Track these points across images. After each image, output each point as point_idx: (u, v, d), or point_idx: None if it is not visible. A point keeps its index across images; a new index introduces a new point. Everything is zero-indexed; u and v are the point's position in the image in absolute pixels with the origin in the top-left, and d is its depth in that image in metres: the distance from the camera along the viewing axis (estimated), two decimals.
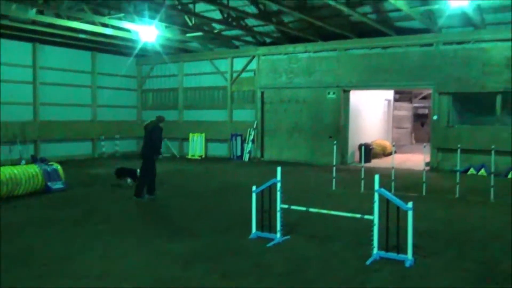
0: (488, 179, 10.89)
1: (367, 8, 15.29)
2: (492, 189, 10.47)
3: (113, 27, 16.01)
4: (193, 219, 8.76)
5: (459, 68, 15.44)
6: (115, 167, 13.06)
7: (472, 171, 14.85)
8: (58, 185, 11.47)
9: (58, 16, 15.05)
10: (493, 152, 10.86)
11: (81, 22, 15.38)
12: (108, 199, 10.68)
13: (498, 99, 15.06)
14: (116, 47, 20.12)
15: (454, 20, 14.92)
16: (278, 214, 7.14)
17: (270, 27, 17.79)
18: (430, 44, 16.06)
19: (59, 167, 11.81)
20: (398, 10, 14.01)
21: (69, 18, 15.17)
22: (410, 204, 6.00)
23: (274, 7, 14.63)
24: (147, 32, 15.46)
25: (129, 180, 12.22)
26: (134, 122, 22.88)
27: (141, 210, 9.74)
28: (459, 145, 11.69)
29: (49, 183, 11.26)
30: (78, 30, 16.51)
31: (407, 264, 5.99)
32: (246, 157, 19.67)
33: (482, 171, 14.59)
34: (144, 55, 21.77)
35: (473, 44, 15.35)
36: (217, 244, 7.02)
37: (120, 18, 15.38)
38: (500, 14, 14.52)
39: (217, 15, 16.75)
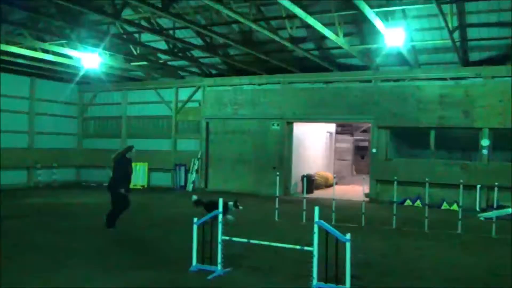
0: (423, 210, 11.36)
1: (310, 45, 15.87)
2: (426, 220, 10.92)
3: (55, 53, 15.63)
4: (130, 253, 8.49)
5: (396, 104, 16.22)
6: (202, 199, 11.34)
7: (408, 202, 15.45)
8: None
9: None
10: (427, 184, 11.39)
11: (20, 47, 14.91)
12: (41, 231, 10.16)
13: (432, 134, 15.90)
14: (57, 73, 19.61)
15: (391, 59, 15.76)
16: (219, 246, 7.08)
17: (216, 59, 18.00)
18: (369, 81, 16.83)
19: None
20: (339, 47, 14.62)
21: (7, 42, 14.67)
22: (348, 236, 6.14)
23: (220, 40, 14.87)
24: (90, 59, 15.22)
25: (229, 216, 10.45)
26: (74, 150, 22.17)
27: (80, 243, 9.32)
28: (395, 177, 12.17)
29: None
30: (16, 55, 15.98)
31: None
32: (190, 187, 19.46)
33: (418, 203, 15.22)
34: (87, 82, 21.34)
35: (409, 81, 16.23)
36: (155, 279, 6.82)
37: (62, 45, 15.06)
38: (433, 55, 15.53)
39: (162, 45, 16.76)
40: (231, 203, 10.76)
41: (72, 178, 21.98)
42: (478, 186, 14.41)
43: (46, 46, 14.85)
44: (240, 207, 11.05)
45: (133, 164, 20.57)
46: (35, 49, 15.26)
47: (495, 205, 11.66)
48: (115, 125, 21.91)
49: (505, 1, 12.33)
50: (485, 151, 15.11)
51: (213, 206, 9.06)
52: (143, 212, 13.27)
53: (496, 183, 10.98)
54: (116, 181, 10.45)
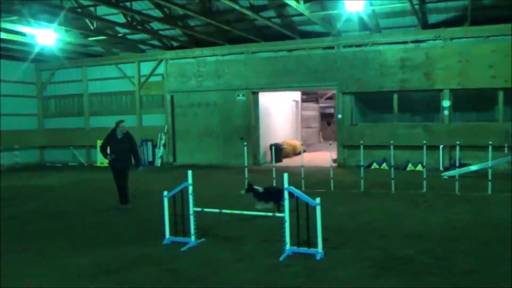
0: (389, 173, 11.66)
1: (271, 13, 15.70)
2: (392, 182, 11.23)
3: (6, 30, 14.92)
4: (103, 230, 8.41)
5: (359, 69, 16.36)
6: (254, 185, 9.17)
7: (375, 165, 15.80)
8: None
9: None
10: (392, 147, 11.66)
11: None
12: (7, 214, 9.92)
13: (395, 98, 16.18)
14: (11, 52, 18.78)
15: (352, 24, 15.80)
16: (192, 218, 7.10)
17: (177, 31, 17.62)
18: (332, 47, 16.86)
19: None
20: (301, 14, 14.53)
21: None
22: (317, 200, 6.25)
23: (180, 11, 14.52)
24: (45, 35, 14.61)
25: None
26: (35, 131, 21.53)
27: (41, 224, 9.14)
28: (361, 142, 12.39)
29: None
30: None
31: (318, 257, 6.23)
32: (158, 162, 19.30)
33: (384, 165, 15.58)
34: (44, 60, 20.57)
35: (370, 46, 16.35)
36: (126, 254, 6.79)
37: (13, 21, 14.38)
38: (393, 19, 15.64)
39: (120, 18, 16.25)
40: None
41: (35, 160, 21.42)
42: (441, 146, 14.89)
43: None
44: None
45: (98, 142, 20.31)
46: None
47: (457, 164, 12.11)
48: (76, 103, 21.31)
49: None
50: (446, 112, 15.51)
51: (271, 194, 8.71)
52: (111, 189, 13.09)
53: (458, 143, 11.32)
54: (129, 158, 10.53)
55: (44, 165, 20.88)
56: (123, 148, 10.44)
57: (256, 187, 9.05)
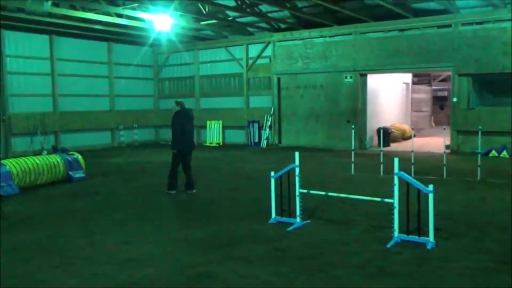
0: (510, 161, 10.71)
1: None
2: None
3: (128, 17, 16.08)
4: (212, 206, 8.81)
5: (479, 49, 15.15)
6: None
7: (493, 153, 14.61)
8: (79, 174, 11.66)
9: (73, 7, 15.16)
10: None
11: (96, 13, 15.49)
12: (127, 188, 10.80)
13: None
14: (132, 37, 20.22)
15: (473, 0, 14.59)
16: (298, 199, 7.15)
17: (285, 13, 17.65)
18: (449, 25, 15.76)
19: (79, 156, 11.99)
20: None
21: (84, 9, 15.29)
22: (430, 187, 5.93)
23: None
24: (162, 21, 15.48)
25: None
26: (152, 111, 23.06)
27: (160, 198, 9.82)
28: (479, 127, 11.51)
29: (70, 173, 11.46)
30: (93, 21, 16.66)
31: (429, 247, 5.95)
32: (263, 143, 19.68)
33: (504, 153, 14.35)
34: (160, 44, 21.83)
35: (493, 24, 15.02)
36: (236, 230, 7.05)
37: (134, 8, 15.45)
38: None
39: (230, 2, 16.68)
40: None
41: (151, 138, 22.99)
42: None
43: (120, 10, 15.29)
44: None
45: (208, 123, 21.17)
46: (109, 14, 15.77)
47: None
48: (188, 85, 22.43)
49: None
50: None
51: None
52: (219, 168, 13.66)
53: None
54: (171, 141, 9.86)
55: (158, 143, 22.33)
56: (190, 129, 9.95)
57: None
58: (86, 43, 19.76)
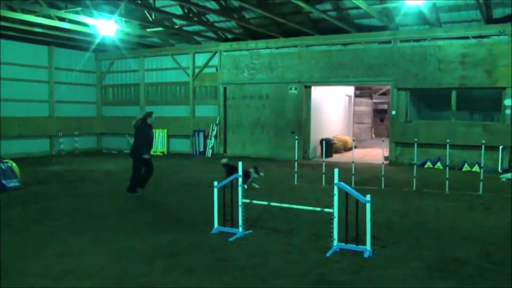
0: (444, 172, 11.28)
1: (327, 6, 15.51)
2: (447, 182, 10.86)
3: (70, 21, 15.60)
4: (154, 216, 8.66)
5: (416, 65, 15.89)
6: (230, 163, 11.05)
7: (429, 164, 15.33)
8: (13, 183, 11.10)
9: (11, 9, 14.54)
10: (448, 146, 11.26)
11: (37, 15, 14.92)
12: (66, 197, 10.42)
13: (453, 94, 15.60)
14: (74, 42, 19.62)
15: (411, 18, 15.35)
16: (240, 209, 7.17)
17: (232, 23, 17.77)
18: (389, 41, 16.44)
19: (14, 164, 11.44)
20: (357, 7, 14.26)
21: (23, 11, 14.69)
22: (368, 197, 6.15)
23: (236, 3, 14.63)
24: (106, 26, 15.15)
25: (254, 185, 11.18)
26: (94, 119, 22.45)
27: (101, 208, 9.54)
28: (416, 140, 12.04)
29: (3, 181, 10.89)
30: (34, 24, 16.02)
31: (366, 255, 6.14)
32: (209, 152, 19.61)
33: (438, 165, 15.09)
34: (104, 50, 21.34)
35: (429, 41, 15.82)
36: (178, 240, 6.97)
37: (77, 12, 15.00)
38: (454, 13, 15.04)
39: (177, 10, 16.59)
40: (252, 170, 10.90)
41: (93, 146, 22.34)
42: (501, 147, 14.21)
43: (62, 13, 14.83)
44: (261, 174, 11.22)
45: (153, 131, 20.87)
46: (51, 17, 15.25)
47: None
48: (133, 92, 22.02)
49: None
50: (508, 111, 14.79)
51: (235, 170, 8.83)
52: (163, 177, 13.46)
53: None
54: (137, 147, 10.57)
55: (101, 151, 21.72)
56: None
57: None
58: (25, 46, 18.98)
